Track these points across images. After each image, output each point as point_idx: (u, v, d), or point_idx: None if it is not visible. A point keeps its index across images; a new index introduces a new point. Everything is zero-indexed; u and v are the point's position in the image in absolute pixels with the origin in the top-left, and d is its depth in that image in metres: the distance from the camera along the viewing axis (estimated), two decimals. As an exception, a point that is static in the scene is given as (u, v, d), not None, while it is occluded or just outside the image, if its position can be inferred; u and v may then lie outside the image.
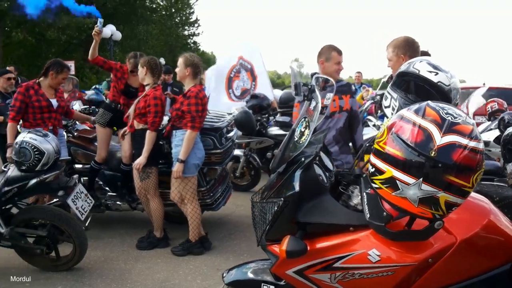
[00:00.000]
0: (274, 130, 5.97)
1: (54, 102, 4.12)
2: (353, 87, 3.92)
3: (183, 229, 4.21)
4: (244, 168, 6.23)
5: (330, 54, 3.57)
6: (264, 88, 7.13)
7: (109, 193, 4.60)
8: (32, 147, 3.14)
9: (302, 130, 1.60)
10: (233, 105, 6.65)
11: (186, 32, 37.84)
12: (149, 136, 3.87)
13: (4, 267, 3.69)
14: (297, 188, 1.59)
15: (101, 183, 4.62)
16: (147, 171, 3.95)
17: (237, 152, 5.86)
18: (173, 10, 35.37)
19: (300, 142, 1.59)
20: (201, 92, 3.79)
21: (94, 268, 3.71)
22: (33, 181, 3.17)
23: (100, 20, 4.26)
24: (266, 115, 6.28)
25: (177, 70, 3.84)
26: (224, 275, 2.10)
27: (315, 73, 1.82)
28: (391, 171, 1.30)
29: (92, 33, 4.36)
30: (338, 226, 1.61)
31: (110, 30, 16.47)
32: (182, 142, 3.72)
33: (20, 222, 3.42)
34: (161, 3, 30.58)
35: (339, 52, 3.58)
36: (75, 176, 3.48)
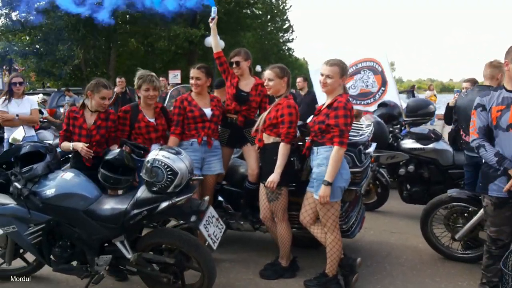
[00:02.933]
0: (408, 143, 5.16)
1: (207, 111, 3.84)
2: None
3: (312, 256, 3.66)
4: (371, 185, 5.52)
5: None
6: (390, 94, 6.32)
7: (230, 211, 4.22)
8: (165, 167, 2.77)
9: None
10: None
11: (280, 39, 37.87)
12: (283, 149, 3.39)
13: None
14: None
15: (222, 199, 4.26)
16: (276, 191, 3.48)
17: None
18: (269, 17, 35.55)
19: None
20: (349, 102, 3.20)
21: (222, 300, 3.30)
22: (164, 204, 2.81)
23: (214, 9, 4.18)
24: (398, 126, 5.49)
25: (328, 81, 3.22)
26: None
27: None
28: None
29: (209, 21, 4.23)
30: None
31: (214, 38, 16.65)
32: (326, 160, 3.16)
33: (147, 247, 3.11)
34: (258, 12, 30.76)
35: None
36: (206, 198, 3.08)
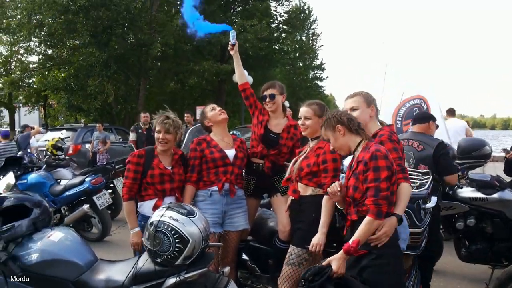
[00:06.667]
0: (467, 192, 4.37)
1: (230, 152, 3.32)
2: None
3: None
4: (421, 240, 4.71)
5: None
6: (439, 133, 5.55)
7: (256, 273, 3.54)
8: (173, 232, 2.14)
9: None
10: None
11: (310, 76, 37.67)
12: (328, 204, 2.80)
13: None
14: None
15: (247, 258, 3.59)
16: (302, 254, 2.88)
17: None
18: (298, 54, 35.47)
19: None
20: (393, 134, 2.69)
21: None
22: (171, 280, 2.16)
23: (233, 35, 3.56)
24: (454, 171, 4.70)
25: (354, 114, 2.71)
26: None
27: None
28: None
29: (228, 48, 3.62)
30: None
31: (242, 74, 16.44)
32: None
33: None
34: (287, 49, 30.72)
35: None
36: (227, 269, 2.41)
